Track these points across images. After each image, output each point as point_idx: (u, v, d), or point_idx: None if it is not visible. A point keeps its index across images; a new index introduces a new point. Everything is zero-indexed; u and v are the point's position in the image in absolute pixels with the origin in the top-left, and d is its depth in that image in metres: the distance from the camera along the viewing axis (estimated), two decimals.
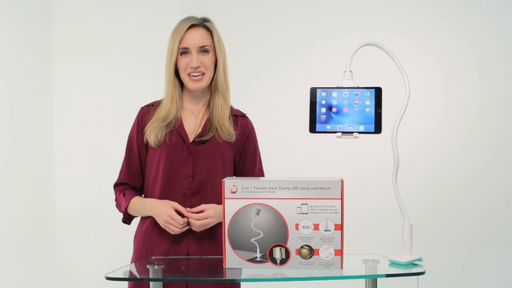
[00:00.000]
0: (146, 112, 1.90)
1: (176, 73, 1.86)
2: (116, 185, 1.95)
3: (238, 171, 1.93)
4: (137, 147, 1.90)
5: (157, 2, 3.68)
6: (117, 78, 3.65)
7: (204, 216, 1.76)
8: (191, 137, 1.84)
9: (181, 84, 1.90)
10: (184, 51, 1.83)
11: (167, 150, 1.82)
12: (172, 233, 1.78)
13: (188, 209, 1.78)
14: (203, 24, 1.86)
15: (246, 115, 1.96)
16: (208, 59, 1.83)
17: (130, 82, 3.61)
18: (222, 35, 1.91)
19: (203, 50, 1.83)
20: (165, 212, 1.76)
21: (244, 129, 1.91)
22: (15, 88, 3.34)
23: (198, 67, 1.81)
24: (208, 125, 1.85)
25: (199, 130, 1.85)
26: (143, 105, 1.94)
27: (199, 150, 1.83)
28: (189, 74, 1.82)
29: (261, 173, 1.98)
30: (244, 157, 1.92)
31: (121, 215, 1.94)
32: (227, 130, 1.84)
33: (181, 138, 1.83)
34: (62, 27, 3.62)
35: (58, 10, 3.62)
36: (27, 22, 3.43)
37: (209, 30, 1.86)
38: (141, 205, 1.86)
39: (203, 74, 1.83)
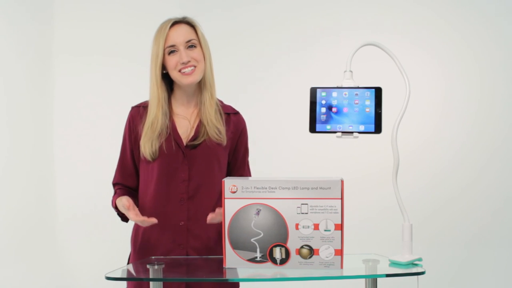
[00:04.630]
0: (136, 113, 1.89)
1: (163, 76, 1.84)
2: (113, 185, 1.96)
3: (230, 166, 1.93)
4: (129, 148, 1.89)
5: (157, 4, 3.68)
6: (117, 79, 3.65)
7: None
8: (185, 141, 1.83)
9: (169, 88, 1.88)
10: (172, 50, 1.80)
11: (162, 155, 1.82)
12: (142, 224, 1.74)
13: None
14: (185, 20, 1.85)
15: (239, 112, 1.94)
16: (196, 53, 1.81)
17: (130, 83, 3.60)
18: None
19: (190, 45, 1.81)
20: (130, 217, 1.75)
21: (237, 127, 1.91)
22: (15, 88, 3.34)
23: (189, 61, 1.79)
24: (201, 127, 1.84)
25: (192, 133, 1.84)
26: (133, 105, 1.93)
27: (194, 153, 1.82)
28: (180, 71, 1.79)
29: (248, 167, 1.99)
30: (236, 154, 1.92)
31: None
32: (215, 127, 1.82)
33: (175, 143, 1.82)
34: (62, 28, 3.62)
35: (58, 11, 3.62)
36: (27, 22, 3.42)
37: (192, 26, 1.84)
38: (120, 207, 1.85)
39: (194, 67, 1.80)
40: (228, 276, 1.46)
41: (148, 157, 1.81)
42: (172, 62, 1.80)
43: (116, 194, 1.90)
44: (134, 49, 3.61)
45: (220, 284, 1.83)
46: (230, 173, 1.93)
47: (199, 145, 1.82)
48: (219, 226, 1.81)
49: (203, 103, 1.85)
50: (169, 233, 1.81)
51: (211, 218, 1.72)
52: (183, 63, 1.78)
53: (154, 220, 1.70)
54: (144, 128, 1.83)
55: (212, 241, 1.84)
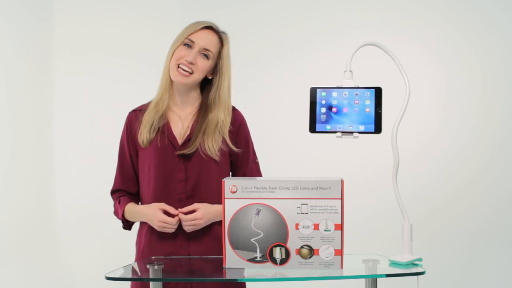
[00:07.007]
0: (134, 117, 1.89)
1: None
2: (112, 192, 1.95)
3: (233, 165, 1.91)
4: (128, 153, 1.89)
5: (158, 2, 3.68)
6: (117, 79, 3.64)
7: (192, 217, 1.77)
8: (180, 141, 1.83)
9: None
10: (188, 44, 1.80)
11: (158, 155, 1.82)
12: (170, 232, 1.79)
13: (180, 209, 1.78)
14: (220, 33, 1.86)
15: (235, 108, 1.93)
16: (204, 63, 1.81)
17: (131, 83, 3.60)
18: None
19: (204, 54, 1.81)
20: (156, 218, 1.77)
21: (233, 123, 1.88)
22: (15, 88, 3.34)
23: (191, 63, 1.79)
24: (194, 134, 1.83)
25: (188, 132, 1.84)
26: (130, 110, 1.93)
27: (189, 153, 1.82)
28: (179, 66, 1.80)
29: (256, 166, 1.95)
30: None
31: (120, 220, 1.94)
32: (212, 147, 1.81)
33: (170, 144, 1.82)
34: (62, 27, 3.62)
35: (58, 10, 3.62)
36: (27, 21, 3.42)
37: (221, 42, 1.85)
38: (133, 213, 1.87)
39: (191, 73, 1.80)
40: (228, 276, 1.46)
41: (145, 140, 1.81)
42: (180, 53, 1.81)
43: (122, 203, 1.89)
44: (134, 47, 3.62)
45: (227, 284, 1.83)
46: (234, 171, 1.92)
47: (193, 153, 1.81)
48: (219, 226, 1.81)
49: (212, 120, 1.83)
50: (170, 235, 1.81)
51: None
52: (186, 60, 1.79)
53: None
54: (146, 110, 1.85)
55: (214, 241, 1.83)
